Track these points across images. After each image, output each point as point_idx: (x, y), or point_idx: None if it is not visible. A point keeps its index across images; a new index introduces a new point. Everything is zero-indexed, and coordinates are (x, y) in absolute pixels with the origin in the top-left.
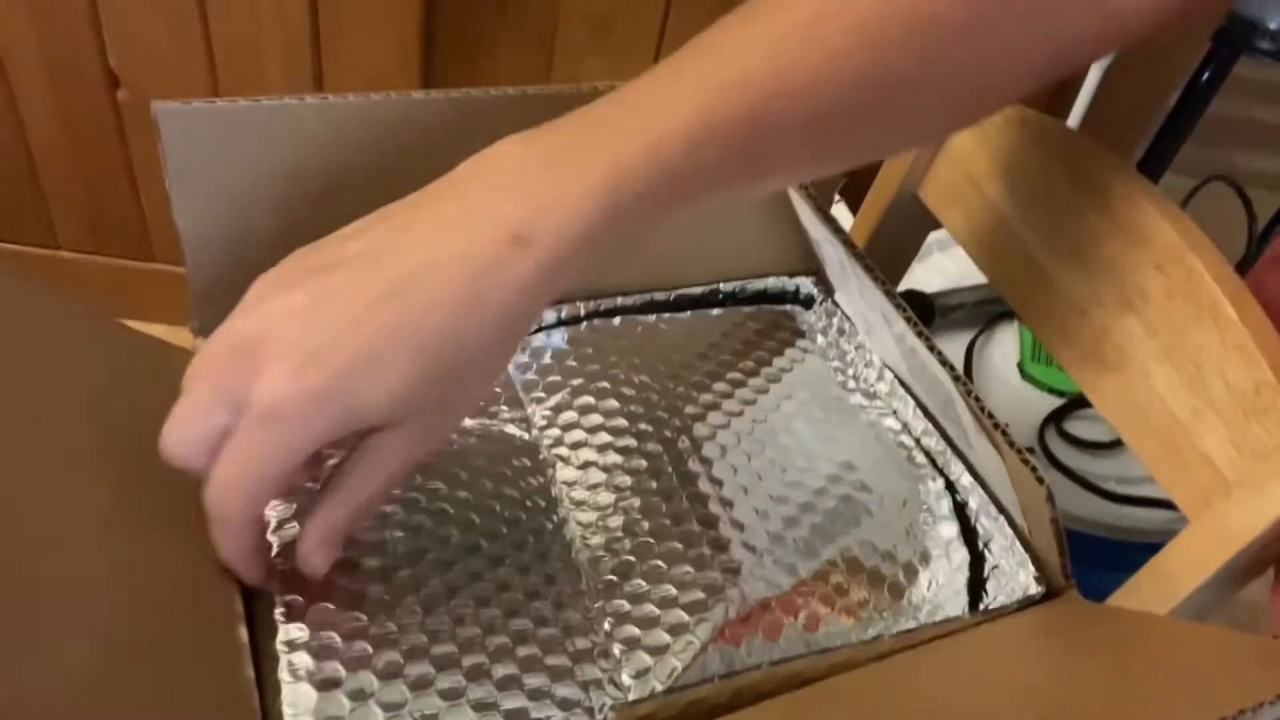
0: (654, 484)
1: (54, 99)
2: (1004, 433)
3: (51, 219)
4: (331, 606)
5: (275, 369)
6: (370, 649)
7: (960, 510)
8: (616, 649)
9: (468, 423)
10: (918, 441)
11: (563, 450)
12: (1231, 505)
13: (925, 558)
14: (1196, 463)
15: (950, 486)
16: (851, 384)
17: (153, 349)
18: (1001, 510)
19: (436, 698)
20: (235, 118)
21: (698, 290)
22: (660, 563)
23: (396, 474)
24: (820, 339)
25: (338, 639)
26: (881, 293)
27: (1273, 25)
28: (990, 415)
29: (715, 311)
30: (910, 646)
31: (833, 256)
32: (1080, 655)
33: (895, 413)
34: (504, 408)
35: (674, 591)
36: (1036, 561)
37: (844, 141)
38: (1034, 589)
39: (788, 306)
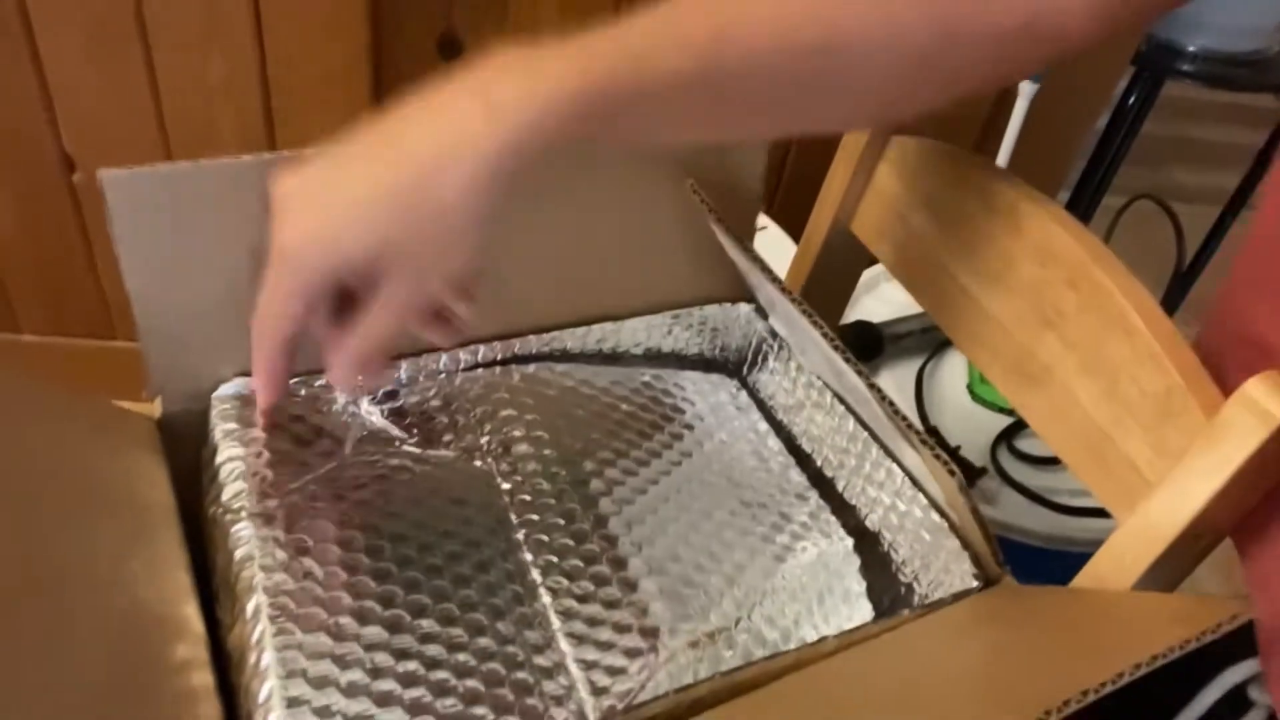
0: (583, 525)
1: (10, 184)
2: (918, 434)
3: (12, 303)
4: (299, 631)
5: (283, 222)
6: (336, 669)
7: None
8: (574, 667)
9: (421, 451)
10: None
11: (516, 479)
12: (1154, 505)
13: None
14: (1121, 467)
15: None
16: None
17: (118, 417)
18: (938, 509)
19: (401, 711)
20: (179, 180)
21: (639, 349)
22: (597, 604)
23: (394, 322)
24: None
25: (302, 659)
26: (799, 313)
27: (1192, 49)
28: (904, 418)
29: (652, 372)
30: (854, 644)
31: (761, 287)
32: (1012, 634)
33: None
34: (454, 436)
35: (615, 629)
36: (974, 557)
37: (793, 99)
38: (972, 583)
39: (716, 375)
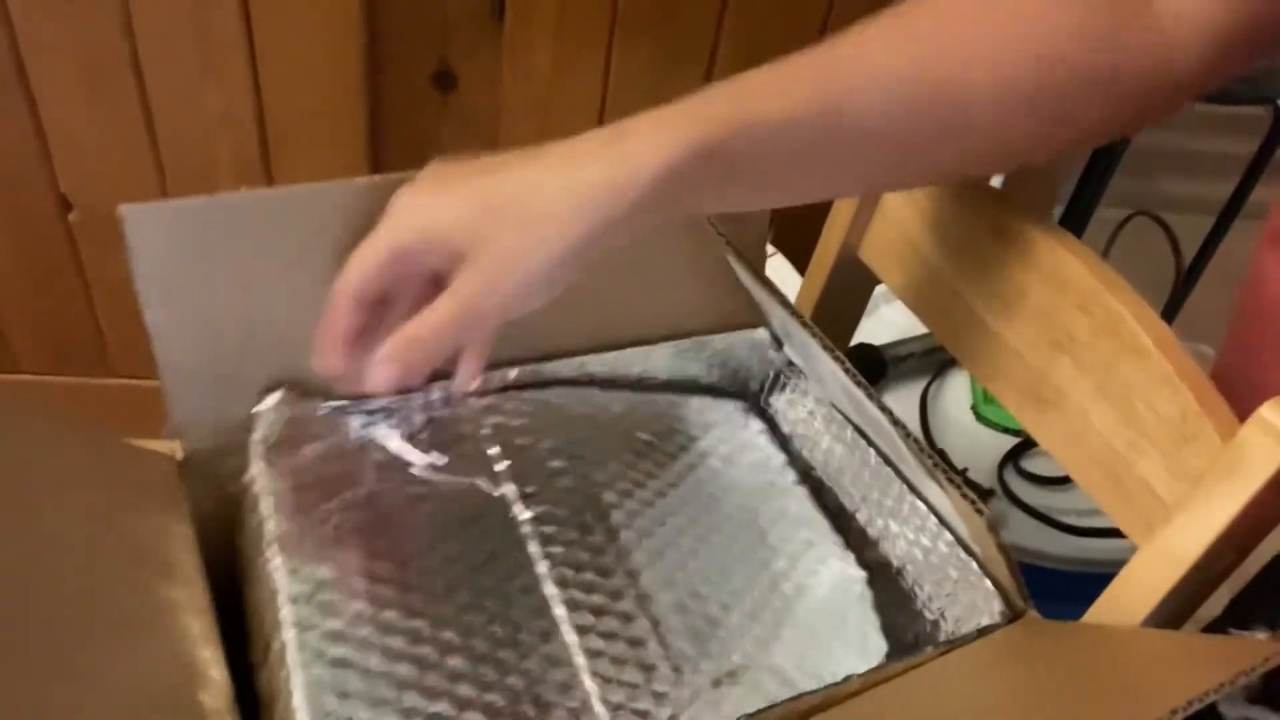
0: (594, 555)
1: (6, 224)
2: (944, 471)
3: (10, 342)
4: (328, 671)
5: (401, 192)
6: (367, 712)
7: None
8: (600, 708)
9: (444, 479)
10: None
11: (539, 509)
12: (1173, 529)
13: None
14: (1137, 490)
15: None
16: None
17: (134, 455)
18: (963, 545)
19: None
20: (193, 214)
21: (654, 376)
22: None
23: (457, 316)
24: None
25: (333, 700)
26: (821, 348)
27: None
28: (930, 455)
29: (669, 399)
30: (879, 683)
31: (775, 315)
32: (1038, 671)
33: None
34: (473, 462)
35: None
36: (1001, 593)
37: (898, 150)
38: (999, 620)
39: (733, 402)
